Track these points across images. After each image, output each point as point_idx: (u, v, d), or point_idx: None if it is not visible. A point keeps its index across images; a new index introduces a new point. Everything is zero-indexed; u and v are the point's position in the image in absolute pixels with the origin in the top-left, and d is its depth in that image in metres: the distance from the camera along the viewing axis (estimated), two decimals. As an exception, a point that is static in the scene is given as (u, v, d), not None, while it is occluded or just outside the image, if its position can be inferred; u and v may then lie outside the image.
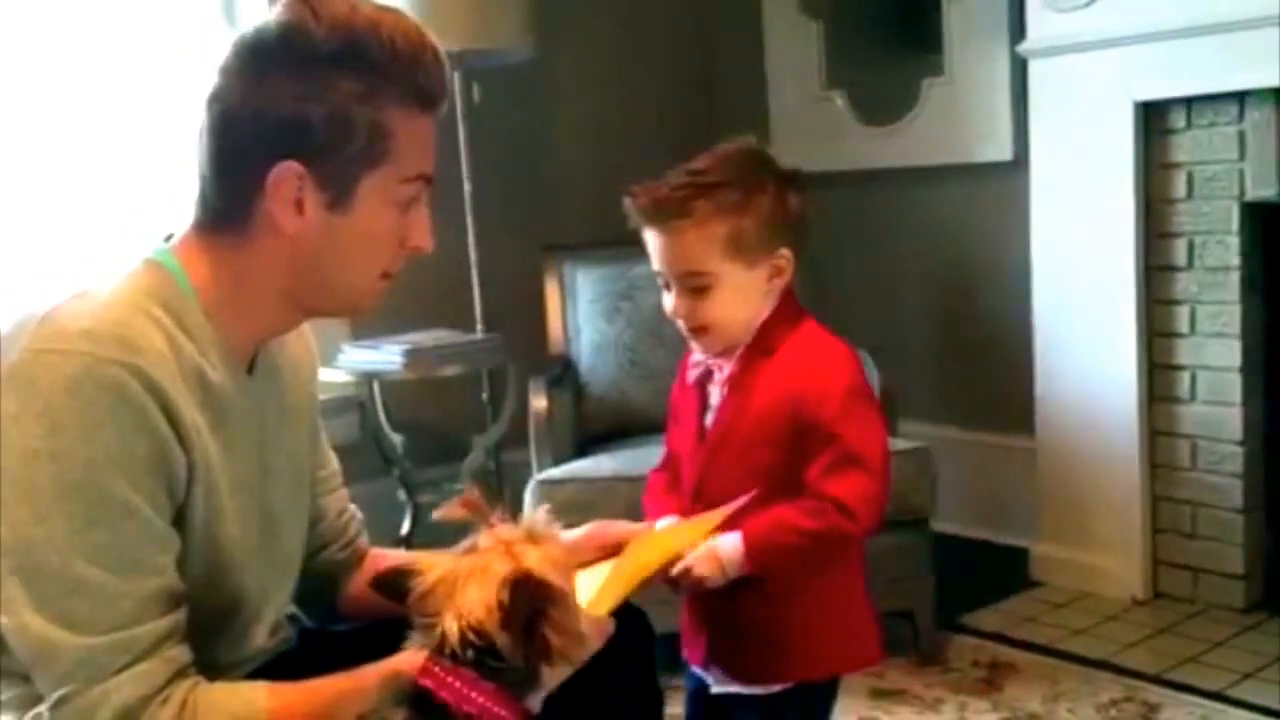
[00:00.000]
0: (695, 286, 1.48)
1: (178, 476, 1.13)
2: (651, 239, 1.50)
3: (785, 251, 1.51)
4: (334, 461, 1.49)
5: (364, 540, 1.50)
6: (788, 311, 1.55)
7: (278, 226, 1.17)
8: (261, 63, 1.15)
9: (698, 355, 1.57)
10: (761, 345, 1.53)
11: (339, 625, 1.47)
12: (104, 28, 2.77)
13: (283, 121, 1.14)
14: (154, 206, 2.77)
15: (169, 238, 1.23)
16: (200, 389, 1.16)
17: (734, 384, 1.53)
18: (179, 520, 1.15)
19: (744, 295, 1.50)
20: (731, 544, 1.47)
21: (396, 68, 1.16)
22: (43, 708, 1.09)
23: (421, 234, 1.25)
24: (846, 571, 1.58)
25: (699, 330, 1.52)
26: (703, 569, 1.46)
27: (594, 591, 1.26)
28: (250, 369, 1.26)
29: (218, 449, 1.17)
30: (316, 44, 1.13)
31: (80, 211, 2.75)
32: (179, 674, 1.12)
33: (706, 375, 1.56)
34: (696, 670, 1.60)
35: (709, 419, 1.55)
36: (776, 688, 1.54)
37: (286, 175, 1.15)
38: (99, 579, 1.08)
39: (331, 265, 1.20)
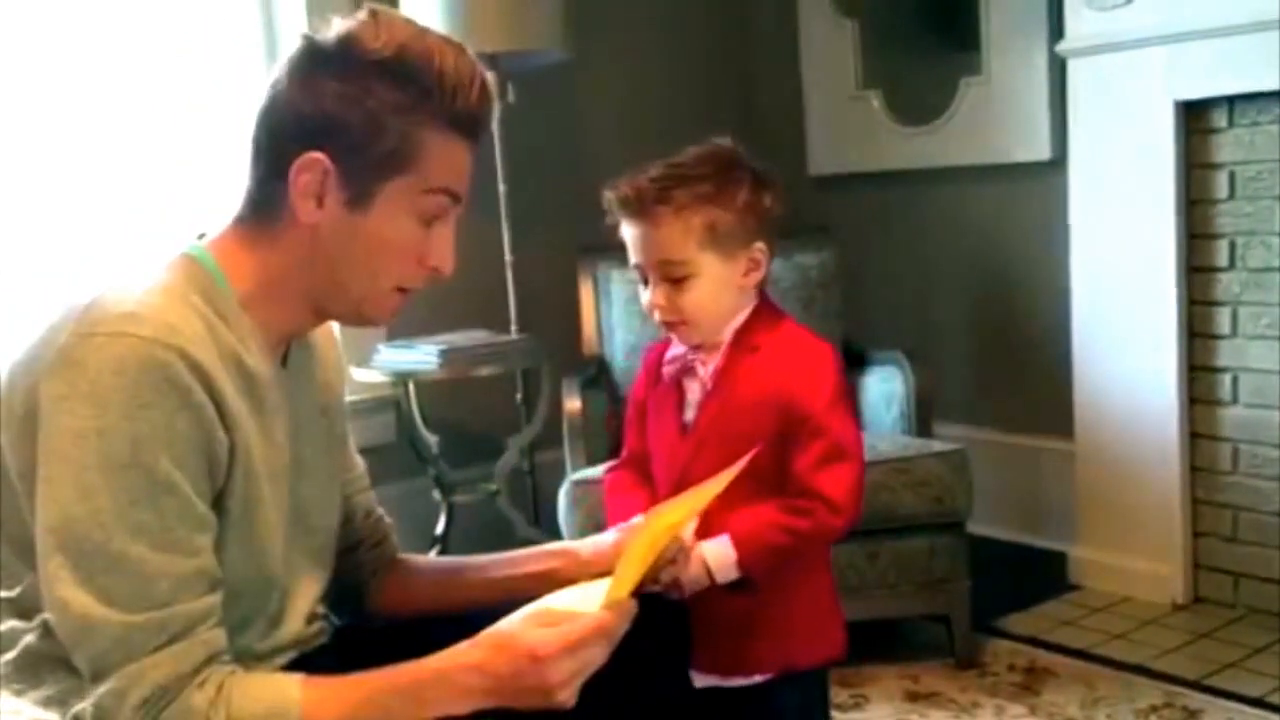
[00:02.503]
0: (673, 276, 1.52)
1: (219, 457, 1.15)
2: (630, 231, 1.54)
3: (761, 245, 1.55)
4: (361, 464, 1.51)
5: (393, 542, 1.52)
6: (768, 310, 1.60)
7: (297, 217, 1.20)
8: (314, 62, 1.19)
9: (674, 351, 1.60)
10: (746, 342, 1.56)
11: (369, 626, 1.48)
12: (126, 30, 2.79)
13: (318, 115, 1.18)
14: (182, 206, 2.80)
15: (201, 236, 1.26)
16: (239, 374, 1.18)
17: (719, 379, 1.56)
18: (218, 504, 1.17)
19: (721, 287, 1.53)
20: (720, 550, 1.49)
21: (440, 91, 1.19)
22: (85, 703, 1.11)
23: (442, 255, 1.26)
24: (817, 561, 1.62)
25: (677, 323, 1.55)
26: (688, 577, 1.48)
27: (611, 579, 1.25)
28: (284, 363, 1.29)
29: (257, 434, 1.20)
30: (369, 54, 1.18)
31: (105, 210, 2.77)
32: (214, 657, 1.14)
33: (684, 371, 1.59)
34: None
35: (689, 414, 1.58)
36: (758, 678, 1.57)
37: (311, 165, 1.18)
38: (139, 556, 1.10)
39: (344, 266, 1.23)
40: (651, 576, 1.36)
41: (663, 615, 1.39)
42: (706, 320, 1.55)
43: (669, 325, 1.56)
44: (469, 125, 1.23)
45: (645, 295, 1.56)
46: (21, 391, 1.14)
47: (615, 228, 1.56)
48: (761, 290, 1.59)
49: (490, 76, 1.25)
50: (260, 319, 1.23)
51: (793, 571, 1.55)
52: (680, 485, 1.53)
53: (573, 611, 1.20)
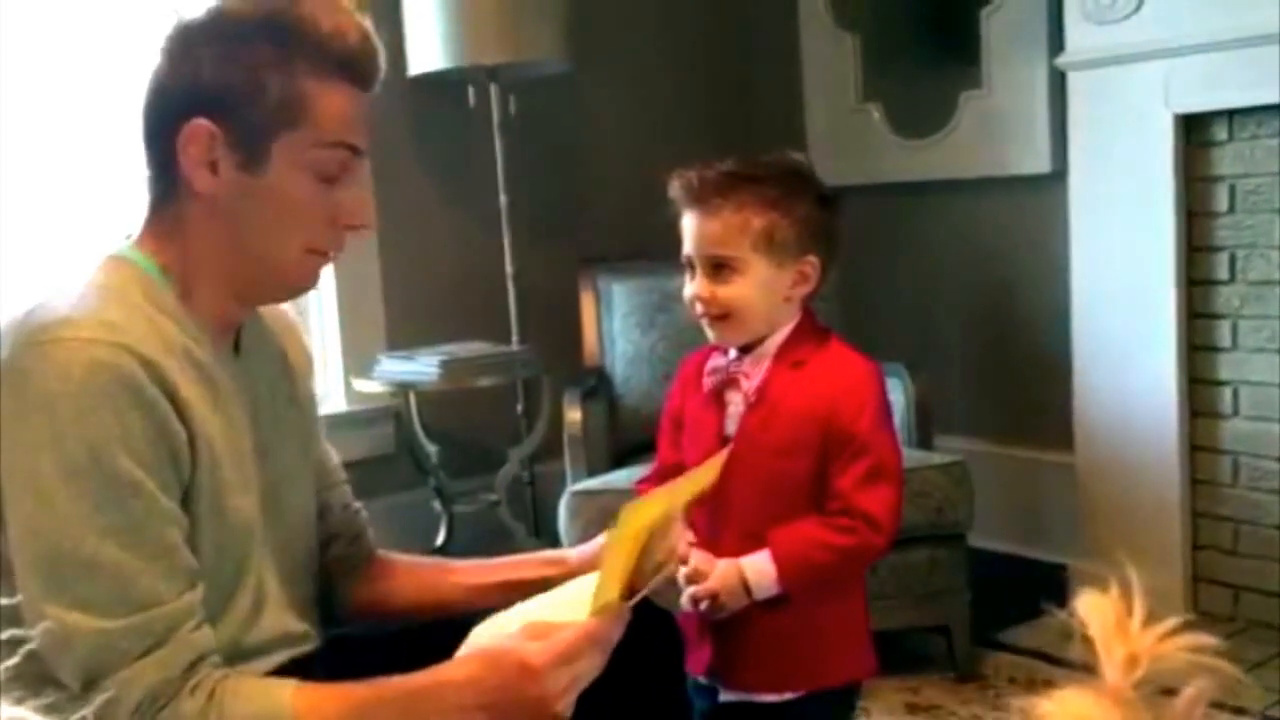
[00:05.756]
0: (720, 269, 1.51)
1: (181, 451, 1.14)
2: (689, 220, 1.53)
3: (813, 259, 1.54)
4: (335, 458, 1.50)
5: (370, 538, 1.50)
6: (814, 327, 1.58)
7: (195, 190, 1.20)
8: (187, 38, 1.20)
9: (716, 361, 1.58)
10: (790, 357, 1.54)
11: (349, 627, 1.46)
12: (73, 28, 2.73)
13: (197, 84, 1.18)
14: (111, 207, 2.71)
15: (128, 237, 1.26)
16: (190, 365, 1.17)
17: (762, 393, 1.53)
18: (186, 499, 1.16)
19: (766, 290, 1.52)
20: (760, 566, 1.47)
21: (313, 39, 1.19)
22: (86, 710, 1.11)
23: (356, 211, 1.26)
24: (852, 580, 1.60)
25: (719, 318, 1.53)
26: (727, 594, 1.47)
27: (596, 582, 1.22)
28: (236, 349, 1.28)
29: (217, 422, 1.19)
30: (239, 19, 1.19)
31: (37, 214, 2.71)
32: (202, 658, 1.13)
33: (726, 383, 1.56)
34: (700, 679, 1.59)
35: (730, 427, 1.55)
36: (788, 695, 1.55)
37: (198, 133, 1.18)
38: (112, 559, 1.09)
39: (251, 232, 1.22)
40: (641, 579, 1.30)
41: (653, 623, 1.38)
42: (744, 319, 1.52)
43: (711, 320, 1.54)
44: (352, 70, 1.22)
45: (689, 288, 1.55)
46: None
47: (676, 216, 1.55)
48: (807, 307, 1.58)
49: (369, 23, 1.24)
50: (199, 308, 1.22)
51: (827, 589, 1.53)
52: (717, 499, 1.50)
53: (563, 623, 1.19)
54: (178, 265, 1.22)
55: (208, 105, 1.18)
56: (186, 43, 1.20)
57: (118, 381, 1.09)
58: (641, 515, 1.23)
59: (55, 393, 1.08)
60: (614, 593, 1.21)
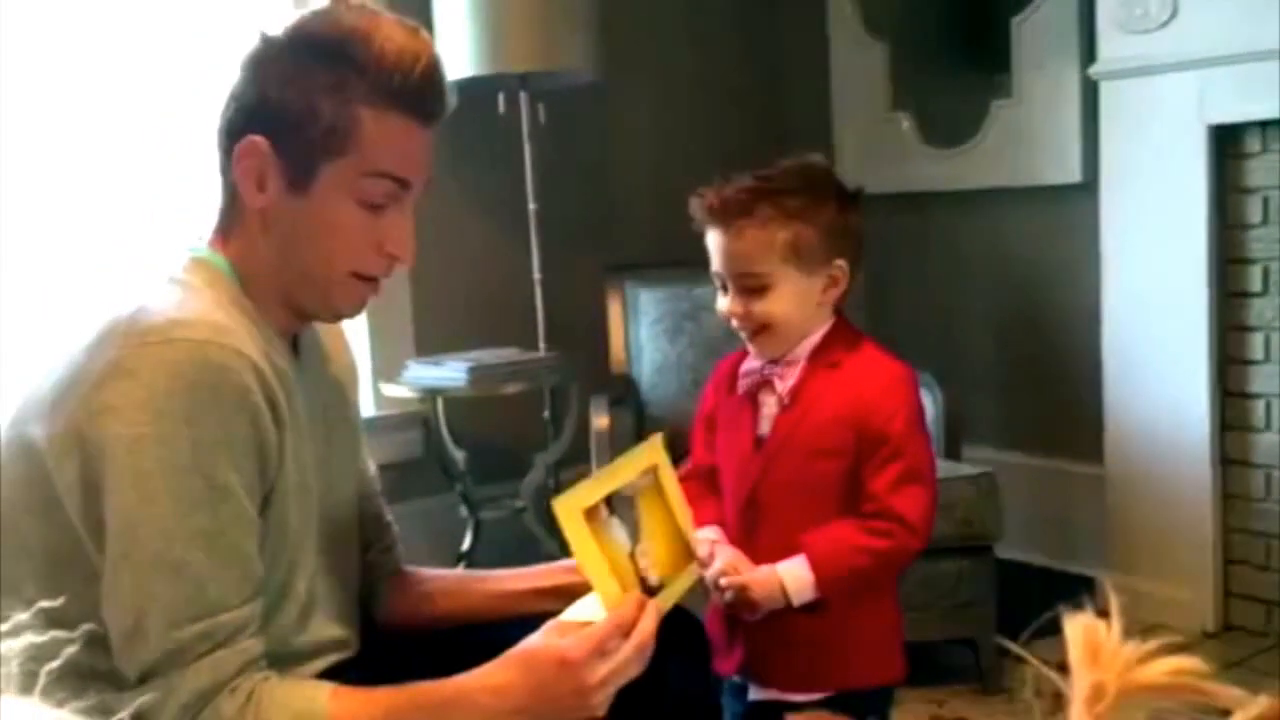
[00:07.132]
0: (752, 286, 1.51)
1: (270, 457, 1.16)
2: (714, 239, 1.54)
3: (841, 263, 1.54)
4: (373, 468, 1.52)
5: (400, 552, 1.52)
6: (846, 330, 1.59)
7: (246, 203, 1.22)
8: (263, 54, 1.22)
9: (749, 364, 1.59)
10: (825, 359, 1.55)
11: (377, 635, 1.47)
12: (136, 33, 2.76)
13: (258, 101, 1.21)
14: (177, 210, 2.76)
15: (200, 238, 1.28)
16: (273, 369, 1.19)
17: (796, 395, 1.54)
18: (266, 500, 1.18)
19: (798, 301, 1.53)
20: (797, 572, 1.47)
21: (375, 68, 1.20)
22: (125, 712, 1.12)
23: (398, 242, 1.26)
24: (885, 583, 1.60)
25: (758, 330, 1.54)
26: (766, 601, 1.47)
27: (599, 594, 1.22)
28: (294, 356, 1.30)
29: (291, 427, 1.21)
30: (308, 40, 1.21)
31: (109, 214, 2.72)
32: (250, 664, 1.15)
33: (759, 386, 1.57)
34: (733, 679, 1.59)
35: (764, 429, 1.56)
36: (817, 695, 1.55)
37: (251, 149, 1.20)
38: (196, 562, 1.11)
39: (296, 250, 1.23)
40: (633, 564, 1.27)
41: (681, 629, 1.38)
42: (782, 330, 1.53)
43: (750, 334, 1.55)
44: (410, 102, 1.22)
45: (722, 302, 1.56)
46: (65, 408, 1.14)
47: (700, 234, 1.55)
48: (839, 310, 1.58)
49: (439, 53, 1.24)
50: (266, 313, 1.24)
51: (861, 591, 1.54)
52: (752, 500, 1.53)
53: (586, 620, 1.20)
54: (244, 270, 1.25)
55: (265, 123, 1.20)
56: (260, 58, 1.22)
57: (227, 384, 1.11)
58: (572, 504, 1.21)
59: (163, 392, 1.10)
60: (610, 586, 1.21)
